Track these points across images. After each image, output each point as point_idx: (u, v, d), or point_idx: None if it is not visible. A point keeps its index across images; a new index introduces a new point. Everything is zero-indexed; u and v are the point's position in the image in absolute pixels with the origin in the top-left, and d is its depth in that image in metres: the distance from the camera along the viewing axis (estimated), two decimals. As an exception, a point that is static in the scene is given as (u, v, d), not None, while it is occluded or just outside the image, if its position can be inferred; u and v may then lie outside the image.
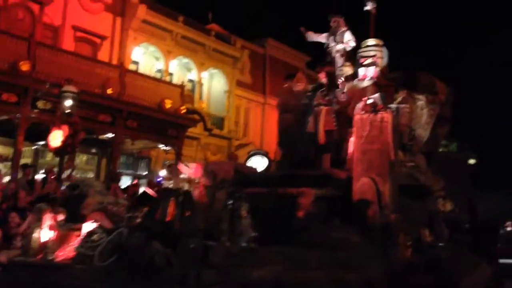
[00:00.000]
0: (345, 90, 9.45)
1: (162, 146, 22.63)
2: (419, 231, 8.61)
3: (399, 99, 8.90)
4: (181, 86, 22.94)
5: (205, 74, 28.26)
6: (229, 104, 29.19)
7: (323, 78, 9.70)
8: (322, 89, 9.67)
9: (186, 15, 26.75)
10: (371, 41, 9.81)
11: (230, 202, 6.02)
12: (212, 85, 29.31)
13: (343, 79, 9.69)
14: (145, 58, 25.96)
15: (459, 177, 10.17)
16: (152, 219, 5.95)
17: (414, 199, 8.46)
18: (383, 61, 9.77)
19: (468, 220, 9.75)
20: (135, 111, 19.97)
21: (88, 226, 6.63)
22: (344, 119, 9.18)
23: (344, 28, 10.33)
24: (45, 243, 6.52)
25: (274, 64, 31.08)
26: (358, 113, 8.10)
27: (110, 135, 19.98)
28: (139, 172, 24.94)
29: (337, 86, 9.63)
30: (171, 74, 26.47)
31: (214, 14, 30.56)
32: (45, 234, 6.55)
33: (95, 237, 5.66)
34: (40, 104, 17.25)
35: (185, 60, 27.13)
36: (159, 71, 26.15)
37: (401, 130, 8.75)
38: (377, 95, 8.40)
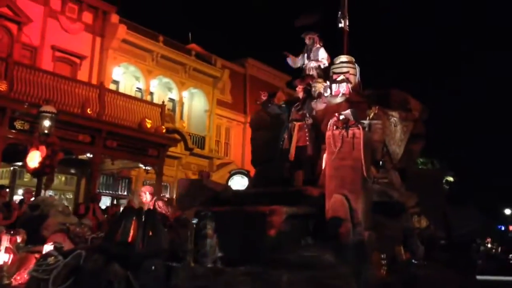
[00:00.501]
0: (319, 105, 9.20)
1: (142, 166, 22.13)
2: (394, 249, 8.35)
3: (371, 115, 8.69)
4: (162, 106, 22.64)
5: (185, 94, 28.06)
6: (210, 124, 28.93)
7: (300, 92, 9.47)
8: (296, 104, 9.44)
9: (166, 35, 26.71)
10: (343, 58, 9.67)
11: (195, 221, 5.68)
12: (193, 104, 29.09)
13: (316, 94, 9.47)
14: (125, 77, 25.71)
15: (434, 194, 9.93)
16: (112, 240, 5.60)
17: (388, 216, 8.22)
18: (355, 78, 9.59)
19: (444, 236, 9.51)
20: (115, 131, 19.63)
21: (48, 248, 6.27)
22: (318, 135, 8.95)
23: (318, 45, 10.17)
24: (1, 266, 6.14)
25: (255, 84, 30.92)
26: (330, 129, 7.86)
27: (89, 155, 19.61)
28: (119, 193, 24.49)
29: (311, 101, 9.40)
30: (151, 94, 26.24)
31: (194, 34, 30.50)
32: (1, 257, 6.17)
33: (50, 259, 5.28)
34: (18, 124, 16.92)
35: (166, 79, 26.92)
36: (139, 90, 25.91)
37: (373, 146, 8.52)
38: (348, 111, 8.19)
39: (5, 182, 19.88)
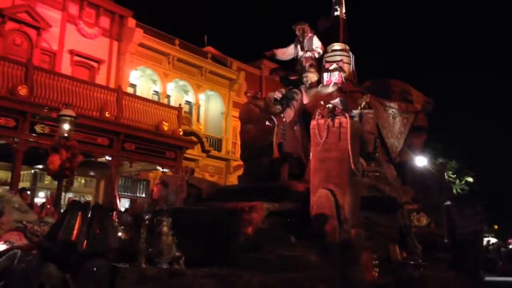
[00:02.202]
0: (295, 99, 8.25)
1: (160, 168, 21.60)
2: (388, 248, 7.37)
3: (363, 104, 7.72)
4: (178, 108, 22.19)
5: (202, 96, 27.46)
6: (227, 126, 28.21)
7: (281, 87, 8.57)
8: (281, 98, 8.52)
9: (182, 39, 26.18)
10: (336, 46, 8.75)
11: (147, 216, 4.83)
12: (209, 106, 28.44)
13: (308, 85, 8.54)
14: (142, 81, 25.28)
15: (435, 189, 8.93)
16: (53, 238, 4.80)
17: (381, 213, 7.25)
18: (349, 66, 8.63)
19: (447, 235, 8.47)
20: (133, 134, 19.32)
21: (1, 248, 5.52)
22: (307, 128, 8.00)
23: (310, 34, 9.24)
24: None
25: (271, 85, 30.04)
26: (315, 119, 6.93)
27: (108, 157, 19.20)
28: (137, 195, 24.05)
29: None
30: (168, 97, 25.86)
31: (210, 37, 29.89)
32: None
33: (-16, 260, 4.53)
34: (38, 128, 16.72)
35: (182, 82, 26.38)
36: (156, 93, 25.45)
37: (364, 138, 7.55)
38: (337, 99, 7.26)
39: (26, 184, 19.59)
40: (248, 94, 8.90)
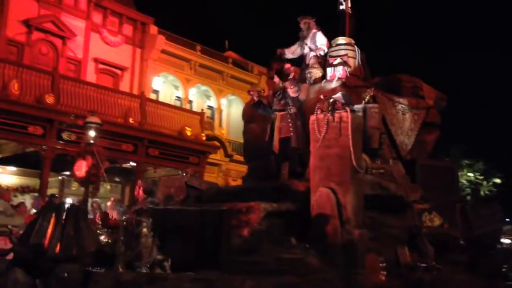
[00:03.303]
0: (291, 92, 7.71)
1: (183, 174, 21.24)
2: (397, 250, 6.77)
3: (367, 98, 7.14)
4: (201, 113, 22.00)
5: (224, 101, 27.18)
6: (249, 130, 27.66)
7: (278, 81, 8.06)
8: (278, 93, 8.00)
9: (203, 44, 25.92)
10: (341, 40, 8.20)
11: (125, 217, 4.40)
12: (231, 111, 28.07)
13: (312, 81, 8.00)
14: (165, 87, 25.15)
15: (449, 188, 8.28)
16: (25, 241, 4.40)
17: (389, 213, 6.65)
18: (355, 61, 8.05)
19: (462, 236, 7.80)
20: (156, 139, 19.20)
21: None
22: (308, 124, 7.44)
23: (314, 30, 8.70)
24: None
25: (292, 88, 29.51)
26: (314, 113, 6.40)
27: (132, 163, 19.15)
28: (161, 198, 23.68)
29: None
30: (190, 102, 25.69)
31: (230, 42, 29.50)
32: None
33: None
34: (65, 135, 16.82)
35: (204, 87, 26.15)
36: (178, 99, 25.31)
37: (369, 133, 6.97)
38: (339, 94, 6.72)
39: (55, 191, 19.55)
40: (251, 93, 8.43)
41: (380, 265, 6.39)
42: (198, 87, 25.91)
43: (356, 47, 8.36)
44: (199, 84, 25.78)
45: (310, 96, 7.95)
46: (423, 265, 6.73)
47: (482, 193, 31.61)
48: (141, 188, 6.26)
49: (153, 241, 4.63)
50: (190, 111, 22.55)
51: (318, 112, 6.31)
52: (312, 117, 6.42)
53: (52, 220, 4.40)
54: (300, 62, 9.09)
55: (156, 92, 24.55)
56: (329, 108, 6.20)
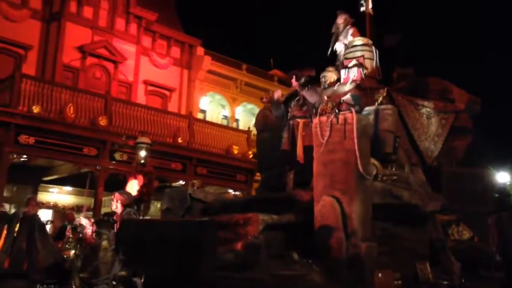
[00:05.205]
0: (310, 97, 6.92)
1: (231, 191, 20.96)
2: (416, 266, 5.87)
3: (380, 99, 6.33)
4: (247, 132, 21.56)
5: (270, 119, 26.42)
6: (295, 147, 26.96)
7: (295, 84, 7.31)
8: (298, 98, 7.24)
9: (248, 63, 25.57)
10: (357, 41, 7.44)
11: (78, 229, 3.85)
12: (278, 128, 27.37)
13: (327, 85, 7.26)
14: (212, 106, 25.03)
15: (479, 198, 7.27)
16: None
17: (403, 224, 5.79)
18: (372, 62, 7.27)
19: (497, 250, 6.75)
20: (204, 158, 19.10)
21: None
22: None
23: (349, 27, 7.97)
24: None
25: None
26: (317, 116, 5.68)
27: (181, 182, 18.84)
28: (208, 216, 23.37)
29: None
30: (237, 120, 25.44)
31: (275, 60, 28.99)
32: None
33: None
34: (117, 155, 16.99)
35: (250, 105, 25.78)
36: (225, 118, 25.06)
37: (381, 137, 6.15)
38: (348, 95, 5.96)
39: (108, 209, 19.56)
40: (264, 100, 7.82)
41: (395, 282, 5.54)
42: (244, 106, 25.62)
43: (373, 47, 7.59)
44: (245, 103, 25.47)
45: (314, 100, 7.19)
46: (445, 282, 5.79)
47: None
48: (118, 201, 5.60)
49: (115, 255, 4.02)
50: (236, 130, 22.24)
51: (321, 114, 5.61)
52: (315, 120, 5.73)
53: (4, 232, 3.92)
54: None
55: (203, 111, 24.46)
56: (333, 110, 5.49)
